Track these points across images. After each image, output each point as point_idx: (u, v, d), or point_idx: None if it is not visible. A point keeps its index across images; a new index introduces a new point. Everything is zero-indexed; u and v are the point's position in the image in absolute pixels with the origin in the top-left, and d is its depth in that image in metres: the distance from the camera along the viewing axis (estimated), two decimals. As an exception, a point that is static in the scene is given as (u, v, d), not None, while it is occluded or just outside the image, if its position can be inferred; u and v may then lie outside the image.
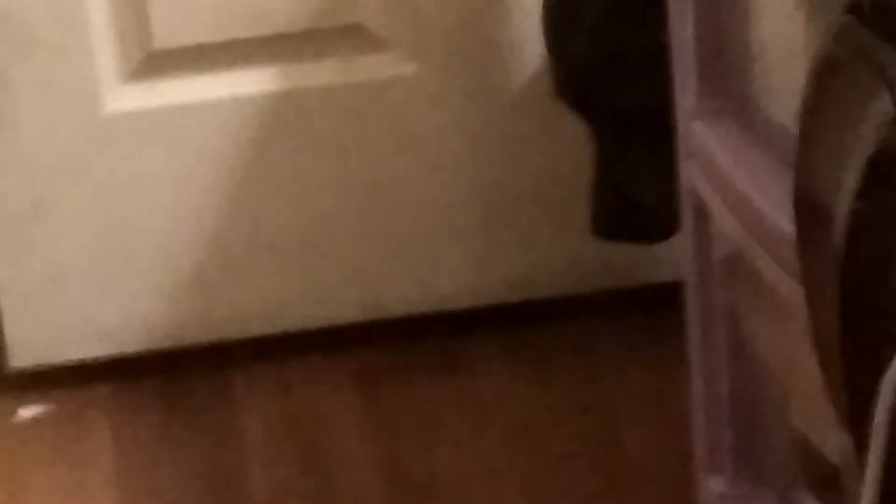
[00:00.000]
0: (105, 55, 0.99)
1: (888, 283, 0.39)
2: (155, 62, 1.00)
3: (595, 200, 0.97)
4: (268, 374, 1.11)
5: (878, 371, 0.36)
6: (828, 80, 0.43)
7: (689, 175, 0.75)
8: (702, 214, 0.75)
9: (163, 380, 1.11)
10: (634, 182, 0.95)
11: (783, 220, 0.53)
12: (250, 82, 1.02)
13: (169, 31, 0.99)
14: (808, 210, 0.44)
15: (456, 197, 1.06)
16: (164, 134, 1.02)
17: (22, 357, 1.05)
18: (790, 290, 0.57)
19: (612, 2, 0.91)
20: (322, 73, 1.02)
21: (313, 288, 1.07)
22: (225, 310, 1.08)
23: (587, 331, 1.11)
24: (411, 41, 1.01)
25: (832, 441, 0.60)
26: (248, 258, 1.06)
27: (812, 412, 0.63)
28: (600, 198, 0.97)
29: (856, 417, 0.42)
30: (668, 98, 0.84)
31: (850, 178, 0.41)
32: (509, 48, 1.02)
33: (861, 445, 0.40)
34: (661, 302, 0.94)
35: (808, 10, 0.55)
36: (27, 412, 1.07)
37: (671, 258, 0.93)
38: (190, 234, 1.05)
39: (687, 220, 0.77)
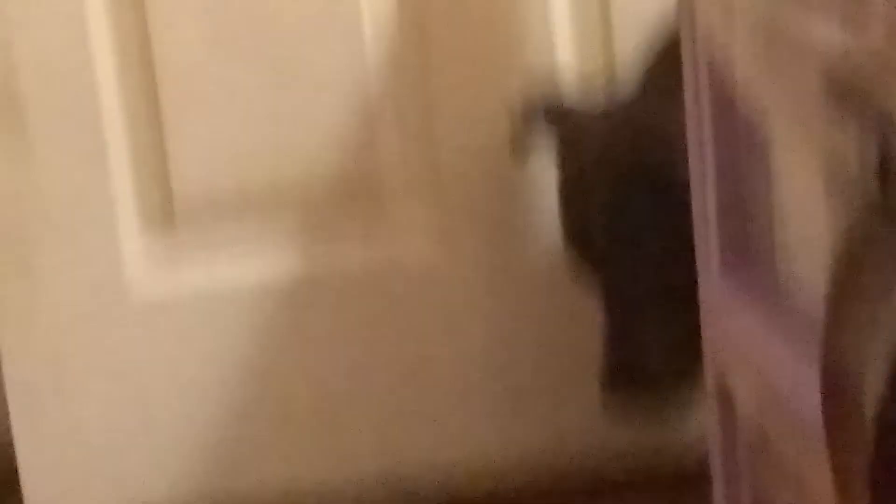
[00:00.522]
0: (131, 242, 1.01)
1: None
2: (179, 247, 1.03)
3: (607, 367, 0.96)
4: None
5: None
6: (854, 267, 0.44)
7: (713, 363, 0.75)
8: (726, 398, 0.74)
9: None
10: (649, 348, 0.94)
11: (806, 405, 0.51)
12: (275, 266, 1.03)
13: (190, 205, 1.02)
14: (836, 405, 0.44)
15: (482, 379, 1.06)
16: (191, 318, 1.04)
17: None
18: (812, 470, 0.57)
19: (622, 189, 0.93)
20: (344, 255, 1.04)
21: (337, 467, 1.06)
22: (249, 487, 1.07)
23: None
24: (433, 222, 1.03)
25: None
26: (273, 441, 1.06)
27: None
28: (615, 364, 0.96)
29: None
30: (683, 277, 0.85)
31: (879, 370, 0.41)
32: (531, 232, 1.04)
33: None
34: (688, 487, 0.92)
35: (828, 179, 0.54)
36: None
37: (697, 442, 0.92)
38: (215, 411, 1.05)
39: (711, 408, 0.77)
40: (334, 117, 1.01)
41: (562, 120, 0.98)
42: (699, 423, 0.92)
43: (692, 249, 0.82)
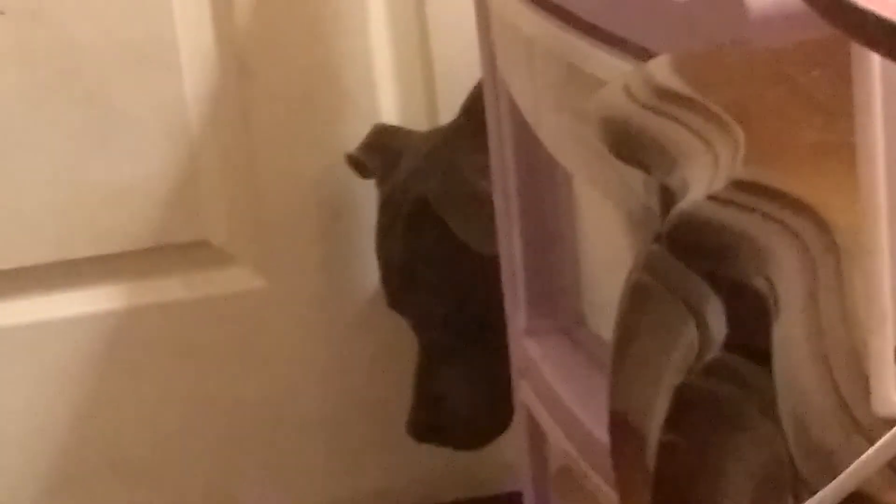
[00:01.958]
0: None
1: None
2: None
3: (415, 405, 0.97)
4: None
5: None
6: (638, 308, 0.44)
7: (523, 392, 0.77)
8: (536, 429, 0.76)
9: None
10: (449, 390, 0.95)
11: (606, 436, 0.53)
12: (97, 300, 1.00)
13: (11, 252, 0.98)
14: (622, 433, 0.45)
15: (311, 410, 1.05)
16: (8, 354, 1.00)
17: None
18: (614, 501, 0.57)
19: (416, 216, 0.93)
20: (169, 289, 1.01)
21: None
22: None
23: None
24: (256, 256, 1.02)
25: None
26: (96, 482, 1.03)
27: None
28: (421, 403, 0.97)
29: None
30: (487, 309, 0.86)
31: (660, 407, 0.42)
32: (354, 261, 1.03)
33: None
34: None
35: (630, 231, 0.57)
36: None
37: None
38: (38, 456, 1.02)
39: (522, 434, 0.78)
40: (154, 154, 0.98)
41: (382, 150, 0.98)
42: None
43: (490, 291, 0.84)
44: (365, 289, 1.03)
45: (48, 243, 0.98)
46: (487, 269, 0.85)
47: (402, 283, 0.96)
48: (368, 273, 1.02)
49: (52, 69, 0.95)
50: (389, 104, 1.02)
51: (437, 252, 0.93)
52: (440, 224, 0.91)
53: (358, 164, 0.98)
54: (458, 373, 0.94)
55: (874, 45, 0.27)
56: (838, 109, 0.41)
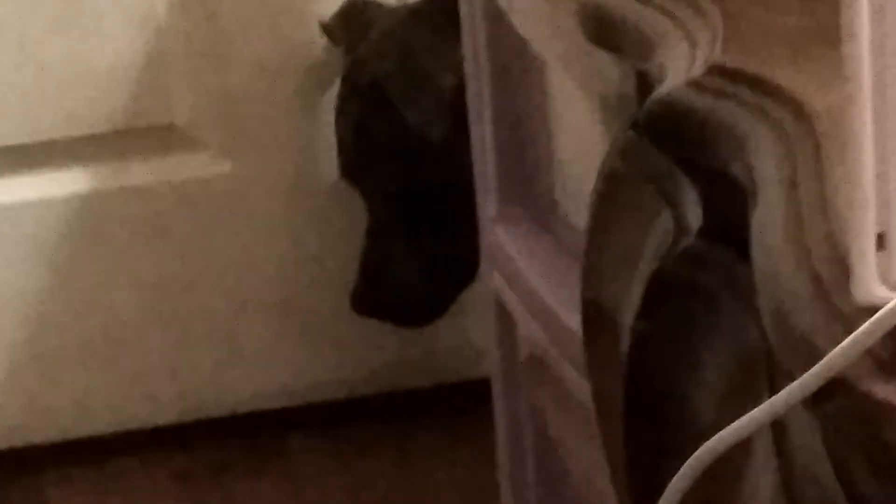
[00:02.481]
0: None
1: (668, 397, 0.40)
2: None
3: (359, 278, 0.99)
4: (83, 478, 1.07)
5: (656, 482, 0.37)
6: (613, 195, 0.44)
7: (492, 279, 0.76)
8: (505, 317, 0.76)
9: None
10: (392, 265, 0.98)
11: (577, 324, 0.53)
12: (62, 183, 1.00)
13: None
14: (595, 321, 0.45)
15: (273, 295, 1.05)
16: None
17: None
18: (584, 389, 0.58)
19: (369, 95, 0.94)
20: (135, 173, 1.01)
21: (127, 389, 1.04)
22: (38, 413, 1.04)
23: (406, 428, 1.11)
24: (222, 140, 1.01)
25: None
26: (60, 360, 1.03)
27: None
28: (364, 276, 0.98)
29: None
30: (436, 192, 0.86)
31: (634, 295, 0.41)
32: (319, 146, 1.02)
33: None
34: (480, 398, 0.94)
35: (604, 118, 0.56)
36: None
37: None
38: (5, 334, 1.02)
39: (490, 322, 0.78)
40: (120, 36, 0.97)
41: (351, 22, 0.98)
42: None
43: (440, 175, 0.85)
44: (329, 174, 1.02)
45: (13, 125, 0.97)
46: (438, 154, 0.86)
47: (354, 156, 0.97)
48: (332, 159, 1.02)
49: None
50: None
51: (387, 132, 0.94)
52: (391, 105, 0.93)
53: (330, 32, 0.98)
54: (402, 250, 0.96)
55: None
56: None
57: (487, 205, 0.76)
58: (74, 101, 0.98)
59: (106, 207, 1.01)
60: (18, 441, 1.03)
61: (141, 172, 1.01)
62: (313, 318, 1.06)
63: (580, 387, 0.62)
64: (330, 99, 1.01)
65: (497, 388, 0.80)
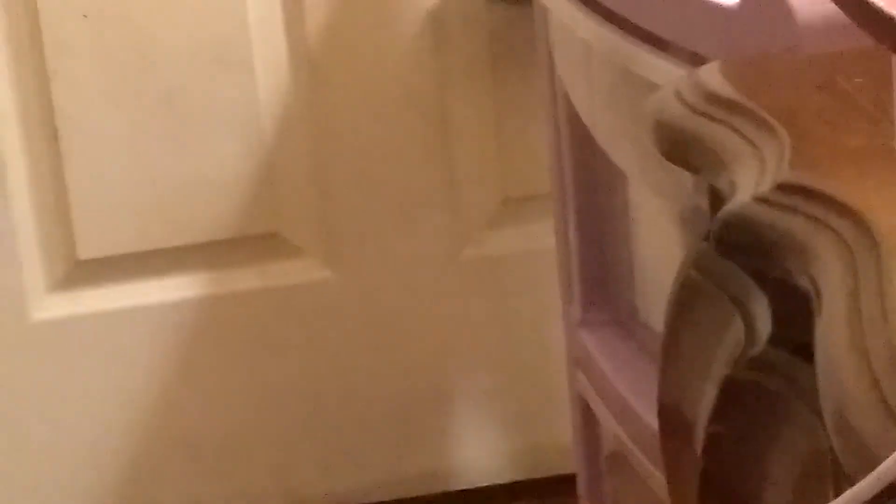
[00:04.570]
0: (31, 266, 0.99)
1: (739, 495, 0.41)
2: (80, 272, 1.00)
3: None
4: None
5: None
6: (688, 304, 0.45)
7: (576, 380, 0.78)
8: (589, 416, 0.77)
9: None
10: None
11: (656, 423, 0.54)
12: (174, 289, 1.02)
13: (93, 243, 1.00)
14: (671, 423, 0.46)
15: (375, 400, 1.06)
16: (89, 341, 1.01)
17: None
18: (662, 484, 0.59)
19: None
20: (242, 279, 1.03)
21: (239, 491, 1.06)
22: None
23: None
24: (325, 249, 1.03)
25: None
26: (176, 463, 1.04)
27: None
28: None
29: None
30: None
31: (708, 398, 0.43)
32: (413, 253, 1.05)
33: None
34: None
35: (680, 228, 0.59)
36: None
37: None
38: (118, 440, 1.03)
39: (575, 420, 0.80)
40: (229, 150, 1.00)
41: None
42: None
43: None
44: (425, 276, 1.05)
45: (127, 235, 1.00)
46: None
47: None
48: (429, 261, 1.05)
49: (133, 69, 0.97)
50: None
51: None
52: None
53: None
54: None
55: None
56: (881, 115, 0.41)
57: (572, 309, 0.78)
58: (186, 211, 1.01)
59: (214, 312, 1.03)
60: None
61: (248, 278, 1.03)
62: (416, 422, 1.07)
63: (659, 483, 0.63)
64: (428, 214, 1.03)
65: (581, 482, 0.81)
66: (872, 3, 0.29)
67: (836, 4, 0.34)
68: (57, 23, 0.94)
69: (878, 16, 0.28)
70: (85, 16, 0.95)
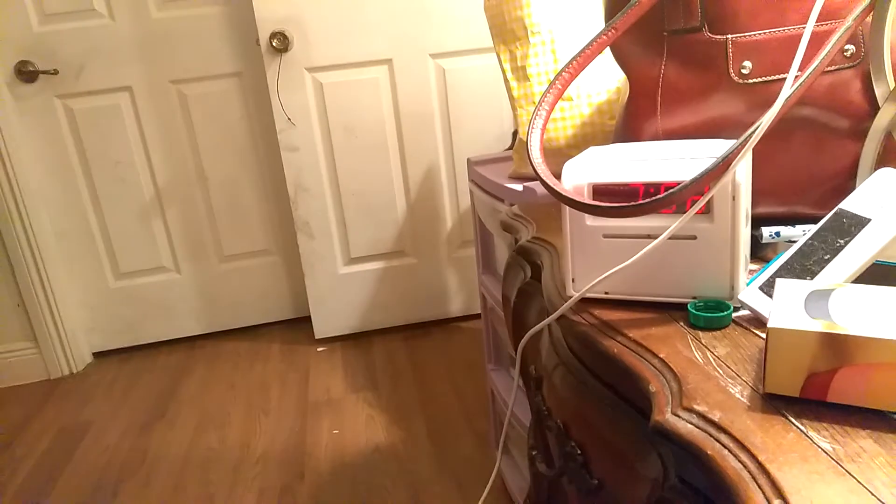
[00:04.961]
0: None
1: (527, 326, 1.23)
2: None
3: None
4: None
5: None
6: (509, 271, 1.30)
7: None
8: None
9: None
10: None
11: None
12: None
13: None
14: (505, 299, 1.28)
15: None
16: None
17: None
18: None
19: None
20: None
21: None
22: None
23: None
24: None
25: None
26: None
27: None
28: None
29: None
30: None
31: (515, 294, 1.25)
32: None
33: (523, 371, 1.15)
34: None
35: (507, 248, 1.49)
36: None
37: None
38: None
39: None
40: None
41: None
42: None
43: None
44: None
45: None
46: None
47: None
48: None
49: None
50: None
51: None
52: None
53: None
54: None
55: (563, 202, 1.08)
56: (560, 217, 1.29)
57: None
58: None
59: None
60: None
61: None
62: None
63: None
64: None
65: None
66: (553, 188, 1.12)
67: (546, 189, 1.21)
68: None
69: (556, 193, 1.11)
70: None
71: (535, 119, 0.93)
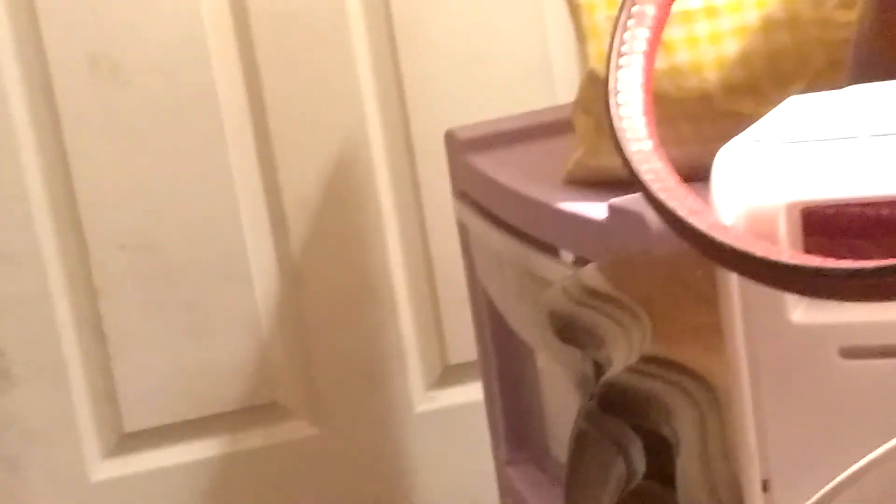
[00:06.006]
0: (88, 440, 1.15)
1: None
2: (126, 442, 1.17)
3: None
4: None
5: None
6: (581, 448, 0.54)
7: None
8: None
9: None
10: None
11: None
12: (198, 451, 1.18)
13: (136, 418, 1.16)
14: None
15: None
16: (137, 497, 1.17)
17: None
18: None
19: None
20: (251, 439, 1.19)
21: None
22: None
23: None
24: (311, 411, 1.20)
25: None
26: None
27: None
28: None
29: None
30: None
31: None
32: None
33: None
34: None
35: (576, 389, 0.68)
36: None
37: None
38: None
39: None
40: (237, 344, 1.17)
41: None
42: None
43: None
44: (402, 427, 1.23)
45: (157, 409, 1.16)
46: None
47: None
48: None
49: (162, 287, 1.14)
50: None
51: None
52: None
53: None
54: None
55: (716, 260, 0.37)
56: (716, 299, 0.52)
57: (500, 451, 0.96)
58: (205, 390, 1.16)
59: (229, 468, 1.19)
60: None
61: (255, 438, 1.19)
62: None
63: None
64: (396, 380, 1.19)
65: None
66: (687, 222, 0.38)
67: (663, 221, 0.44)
68: (100, 252, 1.11)
69: (694, 234, 0.37)
70: (122, 247, 1.12)
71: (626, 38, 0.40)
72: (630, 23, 0.45)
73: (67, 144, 1.10)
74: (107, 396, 1.17)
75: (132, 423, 1.17)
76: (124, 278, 1.14)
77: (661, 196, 0.38)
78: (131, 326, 1.16)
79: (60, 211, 1.11)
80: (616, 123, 0.42)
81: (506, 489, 0.95)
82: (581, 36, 0.69)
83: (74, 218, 1.11)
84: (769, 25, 0.62)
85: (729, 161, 0.39)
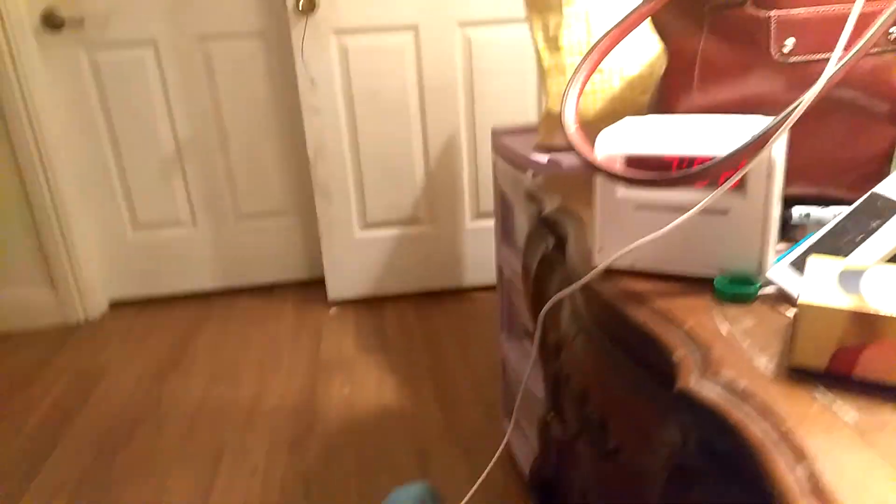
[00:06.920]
0: None
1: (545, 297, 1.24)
2: None
3: None
4: None
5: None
6: (529, 240, 1.29)
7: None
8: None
9: None
10: None
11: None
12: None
13: None
14: (524, 269, 1.31)
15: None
16: None
17: None
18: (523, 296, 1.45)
19: None
20: (411, 231, 2.19)
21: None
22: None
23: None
24: (432, 219, 2.06)
25: None
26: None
27: None
28: None
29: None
30: None
31: (534, 264, 1.26)
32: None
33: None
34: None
35: (528, 220, 1.49)
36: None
37: None
38: None
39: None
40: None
41: None
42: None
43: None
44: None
45: None
46: None
47: None
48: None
49: None
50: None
51: None
52: None
53: None
54: None
55: (597, 174, 1.08)
56: (591, 189, 1.29)
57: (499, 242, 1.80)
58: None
59: (396, 244, 1.90)
60: None
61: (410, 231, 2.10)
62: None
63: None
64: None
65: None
66: (588, 159, 1.12)
67: (579, 158, 1.21)
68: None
69: (590, 164, 1.12)
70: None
71: (570, 87, 0.93)
72: (574, 78, 1.21)
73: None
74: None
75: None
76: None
77: (580, 148, 1.14)
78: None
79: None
80: (565, 121, 1.17)
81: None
82: (541, 77, 1.51)
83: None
84: (619, 93, 1.42)
85: (603, 137, 0.89)
